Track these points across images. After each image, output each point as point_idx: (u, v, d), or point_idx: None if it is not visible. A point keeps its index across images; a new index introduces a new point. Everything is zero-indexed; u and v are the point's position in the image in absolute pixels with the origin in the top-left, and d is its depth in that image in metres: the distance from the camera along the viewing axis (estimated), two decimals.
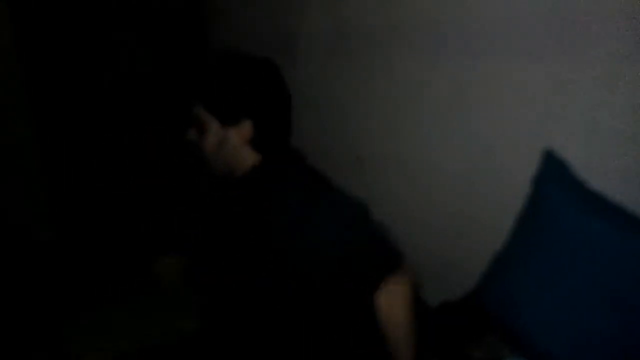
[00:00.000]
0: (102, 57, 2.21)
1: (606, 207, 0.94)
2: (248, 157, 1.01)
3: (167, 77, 2.28)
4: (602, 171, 0.98)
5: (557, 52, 1.03)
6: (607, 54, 0.95)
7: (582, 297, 0.90)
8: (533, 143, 1.08)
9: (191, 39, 2.30)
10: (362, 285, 0.96)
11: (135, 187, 2.30)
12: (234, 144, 0.99)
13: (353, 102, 1.50)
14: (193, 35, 2.30)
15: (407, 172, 1.36)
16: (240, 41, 2.00)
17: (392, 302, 0.95)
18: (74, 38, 2.16)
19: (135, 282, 1.60)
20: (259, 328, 1.05)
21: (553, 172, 1.00)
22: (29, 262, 2.10)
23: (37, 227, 2.22)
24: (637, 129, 0.94)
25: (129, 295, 1.62)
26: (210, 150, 1.00)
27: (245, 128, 0.97)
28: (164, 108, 2.27)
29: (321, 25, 1.59)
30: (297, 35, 1.68)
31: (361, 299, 0.97)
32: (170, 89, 2.25)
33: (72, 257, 2.16)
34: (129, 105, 2.29)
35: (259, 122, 0.98)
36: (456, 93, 1.22)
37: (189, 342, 1.26)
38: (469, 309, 1.13)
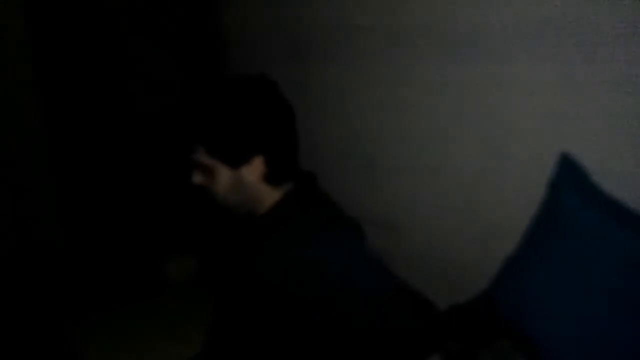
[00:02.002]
0: (115, 65, 2.22)
1: (622, 211, 0.93)
2: (266, 195, 0.92)
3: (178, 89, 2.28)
4: (618, 175, 0.97)
5: (572, 53, 1.02)
6: (624, 55, 0.94)
7: (596, 303, 0.89)
8: (548, 146, 1.06)
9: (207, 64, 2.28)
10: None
11: (147, 187, 2.31)
12: (250, 183, 0.89)
13: (365, 105, 1.49)
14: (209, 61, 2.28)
15: (418, 175, 1.36)
16: (254, 48, 1.98)
17: None
18: (87, 41, 2.16)
19: (145, 283, 1.61)
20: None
21: (569, 175, 0.99)
22: (36, 266, 2.10)
23: (46, 230, 2.24)
24: None
25: (139, 297, 1.63)
26: (223, 193, 0.90)
27: (258, 165, 0.87)
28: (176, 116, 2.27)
29: (332, 28, 1.58)
30: (309, 38, 1.68)
31: None
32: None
33: (82, 260, 2.17)
34: (142, 110, 2.29)
35: (271, 154, 0.88)
36: (469, 96, 1.21)
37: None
38: (479, 313, 1.12)
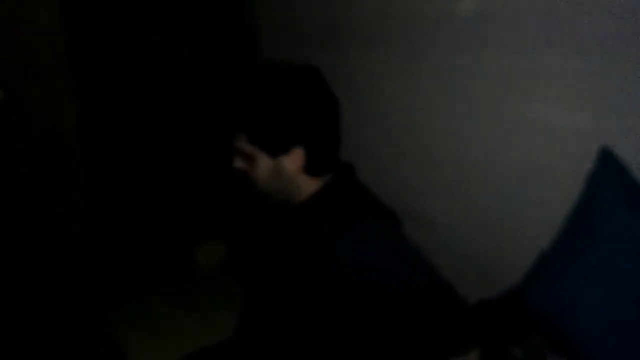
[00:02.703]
0: (149, 48, 2.27)
1: None
2: (304, 185, 0.92)
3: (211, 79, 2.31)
4: None
5: (612, 47, 1.00)
6: None
7: (632, 300, 0.87)
8: (586, 141, 1.04)
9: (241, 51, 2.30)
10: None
11: (178, 173, 2.35)
12: (289, 173, 0.90)
13: (396, 95, 1.48)
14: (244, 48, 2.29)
15: (450, 168, 1.34)
16: (286, 34, 1.99)
17: None
18: (120, 35, 2.22)
19: (175, 268, 1.64)
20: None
21: (608, 171, 0.97)
22: (70, 252, 2.18)
23: (78, 217, 2.31)
24: None
25: (169, 282, 1.67)
26: (263, 180, 0.91)
27: (298, 156, 0.88)
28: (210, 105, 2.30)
29: (363, 16, 1.57)
30: (339, 27, 1.67)
31: None
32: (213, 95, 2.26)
33: (113, 246, 2.23)
34: (175, 97, 2.34)
35: (312, 146, 0.88)
36: (506, 89, 1.20)
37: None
38: (511, 307, 1.11)
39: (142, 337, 1.44)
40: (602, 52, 1.01)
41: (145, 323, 1.51)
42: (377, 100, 1.56)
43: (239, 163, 0.92)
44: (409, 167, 1.46)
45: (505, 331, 1.07)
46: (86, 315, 1.63)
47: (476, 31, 1.23)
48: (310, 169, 0.90)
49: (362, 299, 0.86)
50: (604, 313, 0.90)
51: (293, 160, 0.88)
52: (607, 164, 0.99)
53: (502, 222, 1.24)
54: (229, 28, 2.30)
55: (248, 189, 0.95)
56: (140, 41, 2.21)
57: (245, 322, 1.14)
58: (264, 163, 0.89)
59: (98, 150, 2.29)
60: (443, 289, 0.90)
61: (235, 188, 1.89)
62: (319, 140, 0.90)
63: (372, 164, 1.52)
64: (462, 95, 1.29)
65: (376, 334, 0.90)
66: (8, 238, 1.92)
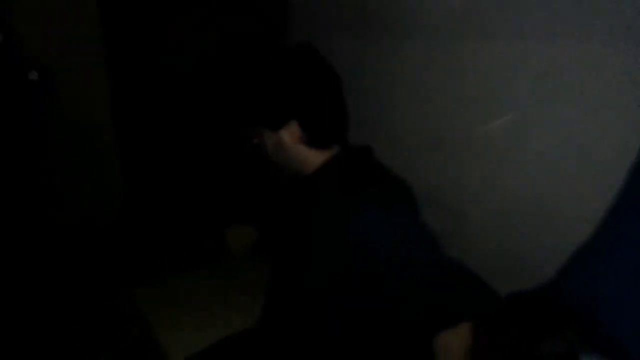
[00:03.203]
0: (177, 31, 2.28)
1: None
2: (307, 156, 0.98)
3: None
4: None
5: None
6: None
7: None
8: (630, 132, 1.01)
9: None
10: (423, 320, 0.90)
11: (209, 157, 2.38)
12: (288, 146, 0.97)
13: (437, 81, 1.44)
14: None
15: (489, 158, 1.31)
16: (318, 17, 1.97)
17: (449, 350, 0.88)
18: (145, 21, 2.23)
19: (206, 251, 1.67)
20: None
21: None
22: (105, 234, 2.23)
23: (112, 200, 2.35)
24: None
25: (201, 265, 1.70)
26: (272, 155, 1.00)
27: (293, 128, 0.94)
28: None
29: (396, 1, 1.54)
30: (373, 11, 1.64)
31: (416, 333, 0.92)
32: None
33: (146, 228, 2.27)
34: (206, 81, 2.35)
35: (305, 119, 0.94)
36: (551, 77, 1.16)
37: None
38: (544, 301, 1.09)
39: (173, 320, 1.46)
40: None
41: (176, 305, 1.53)
42: (412, 88, 1.53)
43: (256, 139, 1.02)
44: (441, 156, 1.44)
45: (538, 325, 1.06)
46: (118, 296, 1.67)
47: (521, 19, 1.20)
48: (309, 140, 0.96)
49: (371, 277, 0.89)
50: None
51: (291, 133, 0.95)
52: None
53: (536, 214, 1.21)
54: (260, 11, 2.29)
55: (268, 165, 1.04)
56: (173, 23, 2.22)
57: (270, 307, 1.15)
58: (268, 137, 0.98)
59: (131, 134, 2.32)
60: (459, 275, 0.96)
61: (264, 173, 1.91)
62: (312, 113, 0.94)
63: (404, 153, 1.50)
64: (500, 84, 1.26)
65: (392, 313, 0.92)
66: (43, 219, 1.98)
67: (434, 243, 0.94)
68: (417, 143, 1.48)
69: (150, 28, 2.23)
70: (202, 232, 1.81)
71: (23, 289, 1.86)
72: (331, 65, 0.96)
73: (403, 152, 1.47)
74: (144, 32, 2.23)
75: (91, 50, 2.17)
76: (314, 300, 0.99)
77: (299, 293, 1.03)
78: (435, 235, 0.94)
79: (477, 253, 1.23)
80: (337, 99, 0.97)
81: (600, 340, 0.95)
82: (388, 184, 0.96)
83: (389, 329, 0.97)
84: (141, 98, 2.31)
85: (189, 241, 1.89)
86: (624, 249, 0.93)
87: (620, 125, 1.05)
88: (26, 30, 1.85)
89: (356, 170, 0.96)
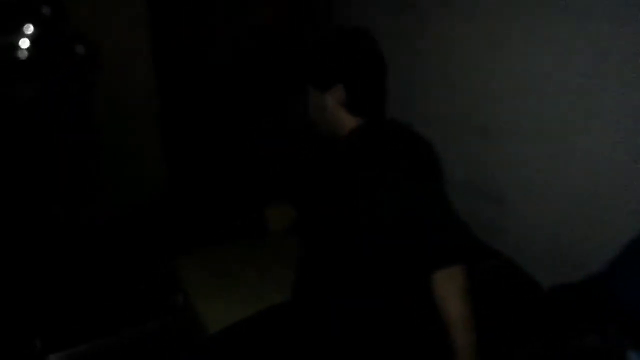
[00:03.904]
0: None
1: None
2: (346, 120, 1.10)
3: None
4: None
5: None
6: None
7: None
8: None
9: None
10: (424, 260, 0.99)
11: (249, 138, 2.41)
12: (331, 108, 1.10)
13: (481, 65, 1.40)
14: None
15: (535, 146, 1.27)
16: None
17: (447, 290, 0.97)
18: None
19: (245, 230, 1.71)
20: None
21: None
22: (149, 212, 2.32)
23: (156, 180, 2.43)
24: None
25: (239, 242, 1.74)
26: (314, 113, 1.15)
27: (338, 92, 1.07)
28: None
29: None
30: None
31: (417, 275, 1.00)
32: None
33: (188, 205, 2.35)
34: (249, 61, 2.36)
35: (350, 86, 1.07)
36: (607, 65, 1.10)
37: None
38: (589, 295, 1.07)
39: (212, 294, 1.52)
40: None
41: (215, 280, 1.59)
42: (458, 70, 1.49)
43: (307, 96, 1.15)
44: (485, 140, 1.40)
45: (581, 318, 1.04)
46: (163, 267, 1.75)
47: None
48: (349, 105, 1.09)
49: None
50: None
51: (334, 96, 1.08)
52: None
53: (587, 206, 1.17)
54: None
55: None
56: (219, 5, 2.21)
57: (302, 281, 1.19)
58: (315, 96, 1.12)
59: (174, 111, 2.37)
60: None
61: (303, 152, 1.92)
62: (357, 82, 1.08)
63: (448, 136, 1.47)
64: (563, 69, 1.20)
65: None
66: (88, 191, 2.07)
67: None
68: (460, 126, 1.45)
69: (196, 6, 2.23)
70: (244, 209, 1.86)
71: (75, 256, 1.97)
72: (380, 50, 1.10)
73: (446, 136, 1.45)
74: (190, 8, 2.23)
75: (137, 29, 2.20)
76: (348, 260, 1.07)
77: (331, 259, 1.11)
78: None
79: (520, 242, 1.21)
80: (380, 75, 1.11)
81: None
82: (416, 152, 1.06)
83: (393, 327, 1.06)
84: (185, 76, 2.34)
85: (231, 217, 1.95)
86: None
87: None
88: (74, 5, 1.89)
89: (384, 135, 1.08)
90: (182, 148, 2.43)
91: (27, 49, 1.72)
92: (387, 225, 1.00)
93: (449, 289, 0.97)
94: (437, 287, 0.98)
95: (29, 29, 1.70)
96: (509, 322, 0.95)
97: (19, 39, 1.70)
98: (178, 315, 1.62)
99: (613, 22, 1.07)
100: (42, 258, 1.91)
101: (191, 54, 2.31)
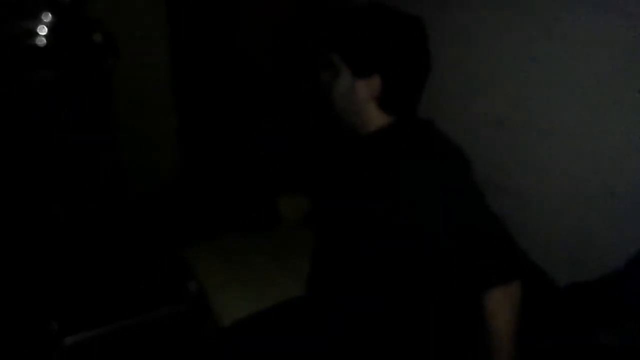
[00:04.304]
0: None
1: None
2: (373, 115, 0.98)
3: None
4: None
5: None
6: None
7: None
8: None
9: None
10: (475, 277, 0.91)
11: (263, 128, 2.41)
12: (361, 97, 0.96)
13: (502, 60, 1.37)
14: None
15: (551, 142, 1.25)
16: None
17: (501, 309, 0.90)
18: None
19: (259, 219, 1.72)
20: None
21: None
22: (165, 201, 2.35)
23: (171, 168, 2.45)
24: None
25: (253, 231, 1.75)
26: (339, 96, 0.99)
27: (374, 83, 0.94)
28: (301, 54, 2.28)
29: None
30: None
31: (469, 293, 0.94)
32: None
33: (203, 195, 2.37)
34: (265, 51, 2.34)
35: (389, 80, 0.94)
36: (623, 59, 1.07)
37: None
38: (606, 293, 1.06)
39: (224, 282, 1.53)
40: None
41: (228, 268, 1.59)
42: (478, 67, 1.45)
43: (325, 76, 1.01)
44: (504, 137, 1.38)
45: (597, 316, 1.03)
46: (176, 255, 1.77)
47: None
48: (382, 100, 0.96)
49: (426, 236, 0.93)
50: None
51: (369, 86, 0.94)
52: None
53: (606, 203, 1.15)
54: None
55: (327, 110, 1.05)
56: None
57: (315, 276, 1.18)
58: (345, 80, 0.97)
59: (189, 102, 2.38)
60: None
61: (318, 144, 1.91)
62: (397, 77, 0.95)
63: (466, 132, 1.45)
64: (584, 66, 1.16)
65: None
66: (104, 181, 2.09)
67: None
68: (483, 122, 1.42)
69: (213, 6, 2.22)
70: (257, 199, 1.87)
71: (90, 243, 2.01)
72: (428, 46, 0.97)
73: (467, 128, 1.42)
74: (206, 5, 2.22)
75: (155, 20, 2.21)
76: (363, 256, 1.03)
77: (347, 255, 1.06)
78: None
79: (537, 238, 1.19)
80: (424, 74, 0.98)
81: None
82: (446, 146, 0.98)
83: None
84: (200, 67, 2.34)
85: (244, 207, 1.96)
86: None
87: None
88: None
89: (415, 133, 0.98)
90: (197, 138, 2.44)
91: (45, 36, 1.74)
92: (414, 230, 0.92)
93: (505, 304, 0.90)
94: (492, 303, 0.90)
95: (47, 16, 1.72)
96: (524, 319, 0.94)
97: (37, 26, 1.71)
98: (191, 302, 1.64)
99: (632, 19, 1.04)
100: (59, 243, 1.95)
101: (208, 45, 2.31)
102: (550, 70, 1.24)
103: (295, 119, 2.32)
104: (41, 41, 1.74)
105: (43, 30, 1.73)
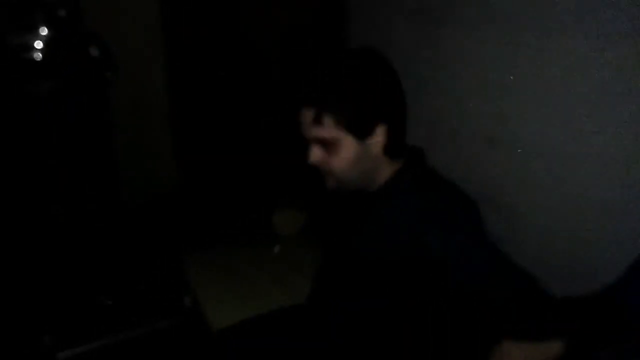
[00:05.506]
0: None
1: None
2: (384, 167, 0.93)
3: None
4: None
5: None
6: None
7: None
8: None
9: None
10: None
11: (259, 141, 2.42)
12: (373, 155, 0.90)
13: (491, 78, 1.37)
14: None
15: (544, 158, 1.24)
16: (377, 6, 1.89)
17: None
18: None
19: (254, 232, 1.71)
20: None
21: None
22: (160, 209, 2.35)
23: (167, 179, 2.45)
24: None
25: (248, 244, 1.75)
26: (345, 167, 0.89)
27: (381, 135, 0.88)
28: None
29: None
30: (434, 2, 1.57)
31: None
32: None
33: (198, 204, 2.37)
34: (262, 66, 2.36)
35: (393, 124, 0.89)
36: (615, 77, 1.07)
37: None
38: (601, 308, 1.05)
39: (220, 294, 1.53)
40: None
41: (222, 281, 1.59)
42: (469, 84, 1.46)
43: (317, 155, 0.90)
44: (495, 154, 1.38)
45: (593, 333, 1.02)
46: (172, 267, 1.77)
47: (588, 18, 1.10)
48: (390, 149, 0.90)
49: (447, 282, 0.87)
50: None
51: (377, 141, 0.88)
52: None
53: (600, 218, 1.15)
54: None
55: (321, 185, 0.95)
56: (235, 9, 2.22)
57: (318, 290, 1.18)
58: (349, 148, 0.87)
59: (186, 115, 2.39)
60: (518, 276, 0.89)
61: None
62: (399, 117, 0.91)
63: (458, 149, 1.46)
64: (571, 82, 1.17)
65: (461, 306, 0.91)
66: (102, 189, 2.09)
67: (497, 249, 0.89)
68: (472, 140, 1.43)
69: (208, 17, 2.25)
70: (253, 211, 1.87)
71: (85, 255, 2.00)
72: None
73: (459, 146, 1.43)
74: (201, 17, 2.25)
75: (151, 31, 2.22)
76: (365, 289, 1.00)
77: (347, 281, 1.05)
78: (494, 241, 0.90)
79: (531, 253, 1.18)
80: (405, 103, 0.93)
81: None
82: (454, 189, 0.93)
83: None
84: (197, 80, 2.36)
85: (240, 219, 1.95)
86: None
87: None
88: (88, 7, 1.91)
89: (424, 177, 0.94)
90: (194, 150, 2.45)
91: (42, 49, 1.75)
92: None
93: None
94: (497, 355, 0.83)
95: (44, 30, 1.73)
96: (519, 333, 0.93)
97: (35, 40, 1.72)
98: (186, 315, 1.63)
99: (622, 38, 1.04)
100: (52, 256, 1.94)
101: (203, 56, 2.33)
102: (539, 87, 1.24)
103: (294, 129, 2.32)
104: (38, 55, 1.74)
105: (40, 45, 1.74)
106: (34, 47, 1.72)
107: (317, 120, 0.86)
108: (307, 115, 0.87)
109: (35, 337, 1.61)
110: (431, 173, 0.97)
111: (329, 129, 0.86)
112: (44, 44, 1.72)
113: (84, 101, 1.94)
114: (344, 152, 0.87)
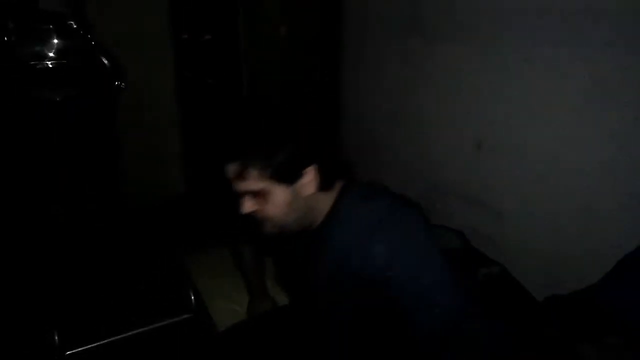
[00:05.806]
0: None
1: None
2: (322, 203, 0.90)
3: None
4: None
5: None
6: None
7: None
8: None
9: None
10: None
11: None
12: (308, 197, 0.87)
13: (478, 85, 1.42)
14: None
15: (529, 163, 1.28)
16: (370, 21, 1.94)
17: None
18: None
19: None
20: None
21: None
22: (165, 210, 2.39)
23: (173, 183, 2.50)
24: None
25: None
26: (282, 214, 0.86)
27: (311, 175, 0.85)
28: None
29: (446, 5, 1.51)
30: (420, 15, 1.61)
31: None
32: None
33: (200, 205, 2.40)
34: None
35: (323, 161, 0.86)
36: (599, 85, 1.11)
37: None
38: (585, 305, 1.07)
39: (224, 293, 1.55)
40: None
41: (228, 280, 1.61)
42: (455, 92, 1.50)
43: (249, 205, 0.87)
44: (482, 156, 1.42)
45: (576, 329, 1.04)
46: (177, 267, 1.81)
47: (568, 26, 1.15)
48: (324, 183, 0.88)
49: (397, 298, 0.85)
50: None
51: (308, 182, 0.85)
52: None
53: (577, 218, 1.18)
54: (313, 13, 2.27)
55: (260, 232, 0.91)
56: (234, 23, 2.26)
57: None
58: (279, 195, 0.84)
59: (194, 122, 2.42)
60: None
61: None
62: (326, 153, 0.89)
63: (445, 154, 1.50)
64: (556, 89, 1.21)
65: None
66: (103, 190, 2.15)
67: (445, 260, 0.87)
68: (457, 144, 1.47)
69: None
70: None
71: (92, 255, 2.06)
72: None
73: (442, 151, 1.47)
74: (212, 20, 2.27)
75: (160, 42, 2.28)
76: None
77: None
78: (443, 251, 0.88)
79: (517, 254, 1.22)
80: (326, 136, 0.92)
81: None
82: (396, 197, 0.91)
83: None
84: (204, 88, 2.39)
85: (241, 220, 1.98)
86: None
87: None
88: (98, 19, 1.99)
89: (363, 192, 0.91)
90: (201, 155, 2.48)
91: (53, 59, 1.82)
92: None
93: None
94: None
95: (56, 41, 1.80)
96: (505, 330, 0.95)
97: (46, 51, 1.80)
98: (190, 314, 1.66)
99: (608, 47, 1.08)
100: (60, 256, 1.99)
101: (213, 65, 2.37)
102: (527, 92, 1.28)
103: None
104: (49, 65, 1.82)
105: (51, 55, 1.81)
106: (46, 57, 1.80)
107: (241, 175, 0.84)
108: (231, 170, 0.85)
109: (43, 336, 1.65)
110: (367, 186, 0.95)
111: (254, 182, 0.83)
112: (55, 53, 1.79)
113: (90, 107, 2.01)
114: (275, 200, 0.85)
